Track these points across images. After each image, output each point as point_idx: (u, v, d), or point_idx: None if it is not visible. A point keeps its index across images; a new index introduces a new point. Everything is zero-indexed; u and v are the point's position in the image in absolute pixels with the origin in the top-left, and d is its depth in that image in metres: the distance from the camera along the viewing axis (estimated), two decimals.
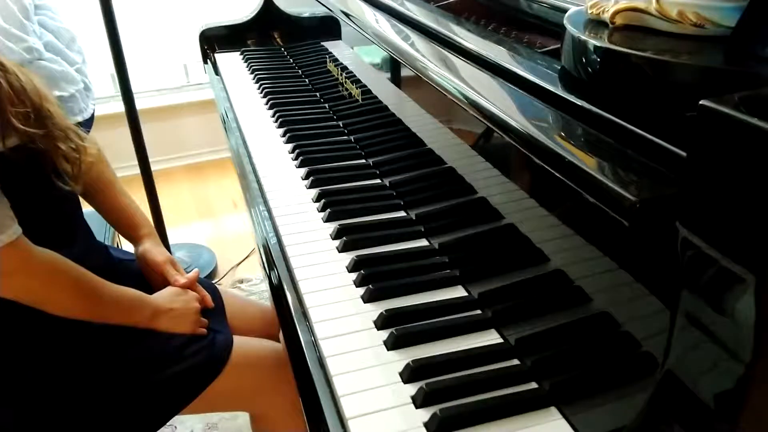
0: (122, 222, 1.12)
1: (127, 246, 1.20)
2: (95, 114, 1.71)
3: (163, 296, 1.01)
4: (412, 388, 0.66)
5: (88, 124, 1.63)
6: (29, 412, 0.89)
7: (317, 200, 1.04)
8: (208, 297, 1.08)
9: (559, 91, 0.61)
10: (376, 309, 0.78)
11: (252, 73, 1.65)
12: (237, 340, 1.03)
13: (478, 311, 0.77)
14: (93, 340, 0.94)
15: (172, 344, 0.97)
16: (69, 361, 0.92)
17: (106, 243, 1.26)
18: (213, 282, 1.42)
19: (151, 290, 1.04)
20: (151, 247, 1.10)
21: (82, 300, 0.90)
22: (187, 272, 1.10)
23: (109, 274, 0.96)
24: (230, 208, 2.62)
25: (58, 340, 0.91)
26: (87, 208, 1.09)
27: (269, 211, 1.03)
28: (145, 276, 1.09)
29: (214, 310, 1.09)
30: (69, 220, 1.00)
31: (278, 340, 1.12)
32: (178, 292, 1.03)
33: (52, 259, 0.87)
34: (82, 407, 0.91)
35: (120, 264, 1.10)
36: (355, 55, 1.21)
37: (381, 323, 0.75)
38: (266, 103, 1.46)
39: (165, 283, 1.06)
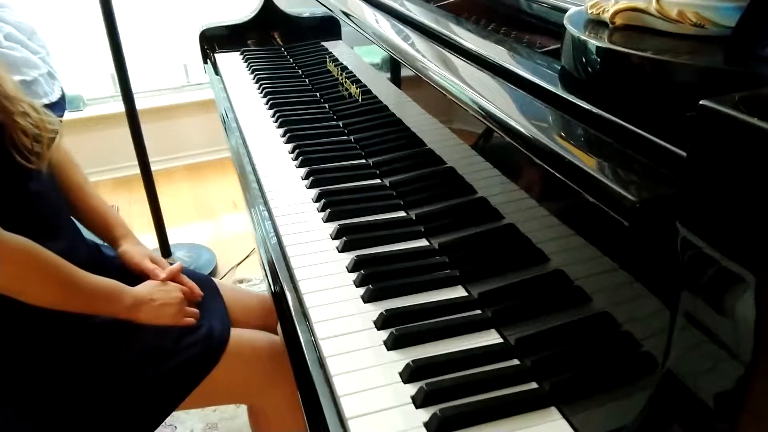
0: (96, 224, 1.11)
1: None
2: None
3: (144, 287, 1.01)
4: (412, 388, 0.66)
5: (60, 107, 1.63)
6: (29, 410, 0.89)
7: (317, 200, 1.04)
8: (196, 288, 1.07)
9: (559, 91, 0.61)
10: (376, 309, 0.78)
11: (252, 73, 1.65)
12: (233, 331, 1.03)
13: (478, 311, 0.77)
14: (89, 337, 0.94)
15: (168, 337, 0.97)
16: (66, 359, 0.92)
17: (98, 242, 1.25)
18: None
19: None
20: (130, 248, 1.08)
21: (56, 288, 0.89)
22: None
23: (98, 270, 0.95)
24: (230, 208, 2.62)
25: (54, 337, 0.91)
26: None
27: (269, 211, 1.03)
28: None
29: (210, 302, 1.09)
30: (49, 216, 0.98)
31: (276, 331, 1.12)
32: (160, 283, 1.03)
33: (24, 245, 0.85)
34: (81, 404, 0.91)
35: (112, 261, 1.09)
36: (355, 55, 1.21)
37: (381, 323, 0.75)
38: (266, 103, 1.46)
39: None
